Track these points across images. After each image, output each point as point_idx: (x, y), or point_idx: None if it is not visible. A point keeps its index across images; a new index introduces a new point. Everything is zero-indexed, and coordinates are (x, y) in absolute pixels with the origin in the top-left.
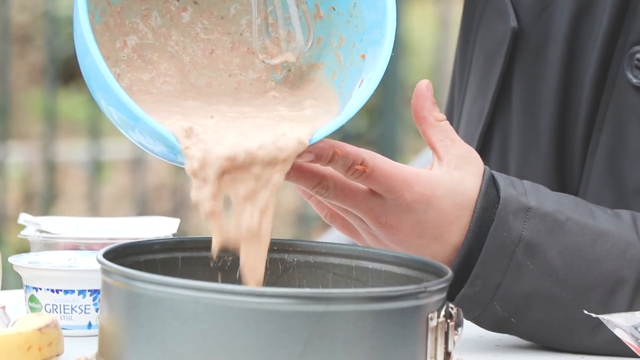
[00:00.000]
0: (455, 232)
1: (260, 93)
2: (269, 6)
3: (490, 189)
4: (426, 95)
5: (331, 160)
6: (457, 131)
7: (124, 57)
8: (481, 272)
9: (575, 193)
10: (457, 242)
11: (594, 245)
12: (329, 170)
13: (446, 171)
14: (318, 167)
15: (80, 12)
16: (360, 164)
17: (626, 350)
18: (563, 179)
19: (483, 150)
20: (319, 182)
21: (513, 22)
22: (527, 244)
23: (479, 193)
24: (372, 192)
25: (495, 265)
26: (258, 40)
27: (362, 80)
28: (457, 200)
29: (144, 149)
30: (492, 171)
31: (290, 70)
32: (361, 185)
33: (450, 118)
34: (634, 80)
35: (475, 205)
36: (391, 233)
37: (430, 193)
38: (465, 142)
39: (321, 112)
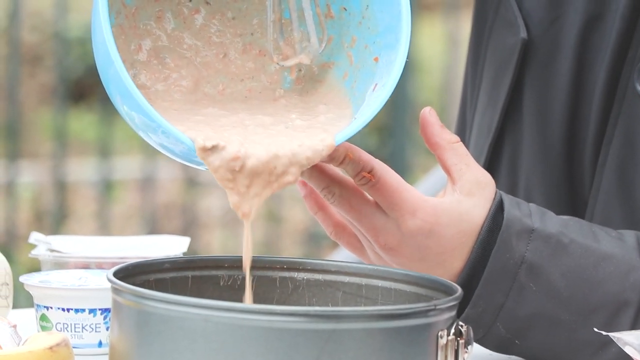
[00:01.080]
0: (458, 258)
1: (270, 100)
2: (283, 6)
3: (497, 213)
4: (432, 121)
5: (342, 162)
6: (468, 145)
7: (139, 59)
8: (484, 292)
9: (585, 204)
10: (460, 267)
11: (597, 267)
12: (339, 176)
13: (457, 199)
14: (329, 169)
15: (103, 20)
16: (369, 172)
17: None
18: (573, 190)
19: (492, 161)
20: (327, 186)
21: (523, 33)
22: (529, 266)
23: (485, 219)
24: (377, 208)
25: (497, 286)
26: (272, 42)
27: (376, 85)
28: (461, 228)
29: (162, 149)
30: (502, 194)
31: (300, 70)
32: (369, 199)
33: (462, 133)
34: None
35: (480, 231)
36: (392, 255)
37: (433, 221)
38: (475, 153)
39: (335, 117)
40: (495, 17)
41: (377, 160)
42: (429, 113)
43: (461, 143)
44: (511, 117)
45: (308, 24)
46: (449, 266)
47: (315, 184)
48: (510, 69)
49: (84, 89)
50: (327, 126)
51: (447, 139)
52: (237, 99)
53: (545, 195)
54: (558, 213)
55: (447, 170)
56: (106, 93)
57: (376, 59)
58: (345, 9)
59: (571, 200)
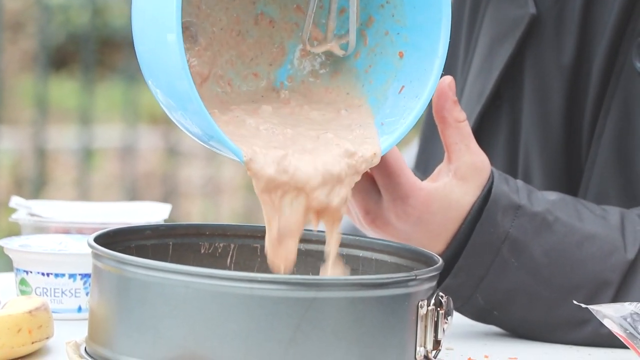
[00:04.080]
0: (441, 242)
1: (282, 104)
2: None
3: (488, 193)
4: (448, 94)
5: None
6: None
7: None
8: (465, 264)
9: (581, 175)
10: (441, 250)
11: (580, 247)
12: None
13: (449, 185)
14: None
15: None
16: None
17: (609, 343)
18: (571, 162)
19: (483, 129)
20: None
21: (532, 9)
22: (513, 242)
23: (472, 206)
24: (374, 185)
25: (480, 259)
26: (309, 28)
27: (404, 87)
28: (449, 215)
29: (181, 127)
30: (494, 173)
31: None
32: (369, 174)
33: None
34: None
35: (467, 216)
36: (376, 232)
37: (423, 209)
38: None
39: (361, 128)
40: None
41: None
42: (448, 85)
43: (466, 122)
44: (511, 88)
45: (351, 20)
46: (430, 248)
47: None
48: (511, 41)
49: (65, 56)
50: (360, 142)
51: (455, 116)
52: (245, 98)
53: (544, 165)
54: (556, 184)
55: (447, 147)
56: (86, 61)
57: (401, 55)
58: None
59: (568, 171)
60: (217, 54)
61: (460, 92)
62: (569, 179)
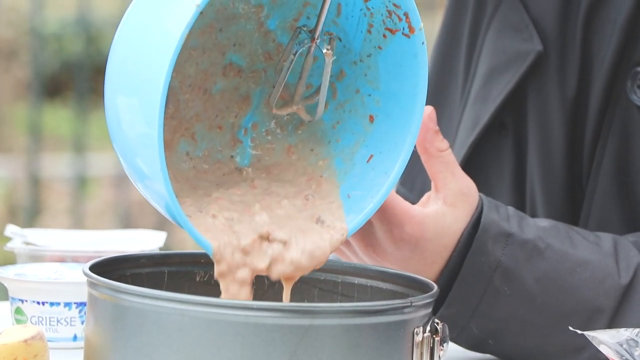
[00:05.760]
0: (436, 269)
1: (245, 184)
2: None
3: (478, 220)
4: (428, 125)
5: None
6: (455, 135)
7: None
8: (458, 294)
9: (582, 205)
10: (435, 277)
11: (573, 274)
12: None
13: (441, 212)
14: None
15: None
16: None
17: None
18: (572, 192)
19: (497, 160)
20: None
21: (539, 45)
22: (504, 270)
23: (463, 232)
24: (368, 221)
25: (472, 289)
26: (277, 88)
27: (372, 156)
28: (443, 242)
29: (142, 192)
30: (483, 200)
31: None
32: None
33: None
34: (637, 100)
35: (458, 241)
36: (377, 262)
37: (419, 235)
38: (458, 146)
39: (325, 196)
40: (494, 12)
41: None
42: (428, 116)
43: (449, 151)
44: (514, 119)
45: (322, 90)
46: (426, 276)
47: None
48: (513, 74)
49: (59, 84)
50: (324, 212)
51: (437, 146)
52: (210, 178)
53: (545, 195)
54: (557, 214)
55: (432, 177)
56: (80, 89)
57: (372, 119)
58: (340, 40)
59: (570, 201)
60: (182, 119)
61: (459, 118)
62: (570, 209)
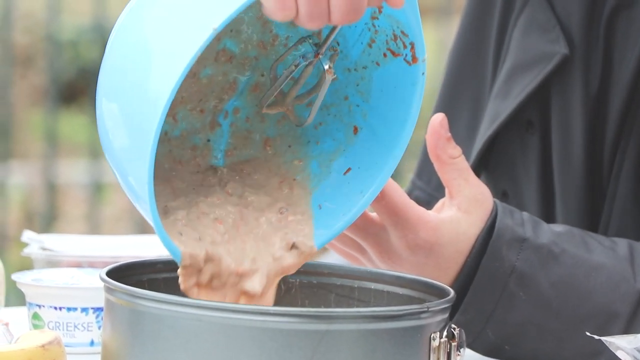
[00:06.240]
0: (451, 274)
1: (215, 184)
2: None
3: (492, 225)
4: (440, 132)
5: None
6: (479, 126)
7: None
8: (473, 300)
9: (602, 210)
10: (450, 283)
11: (588, 278)
12: None
13: (455, 218)
14: None
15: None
16: None
17: None
18: (591, 197)
19: (524, 158)
20: None
21: (564, 49)
22: (519, 275)
23: (477, 237)
24: (382, 227)
25: (487, 294)
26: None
27: (350, 169)
28: (458, 247)
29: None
30: (497, 205)
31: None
32: (374, 219)
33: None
34: None
35: (473, 247)
36: (392, 268)
37: (433, 240)
38: (481, 139)
39: (296, 205)
40: (522, 10)
41: None
42: (439, 124)
43: (462, 157)
44: (539, 118)
45: (316, 102)
46: (441, 281)
47: None
48: (536, 74)
49: (75, 91)
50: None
51: (449, 153)
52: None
53: (564, 199)
54: (576, 219)
55: (446, 184)
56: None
57: (355, 130)
58: (338, 44)
59: (589, 206)
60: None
61: (484, 109)
62: (590, 213)
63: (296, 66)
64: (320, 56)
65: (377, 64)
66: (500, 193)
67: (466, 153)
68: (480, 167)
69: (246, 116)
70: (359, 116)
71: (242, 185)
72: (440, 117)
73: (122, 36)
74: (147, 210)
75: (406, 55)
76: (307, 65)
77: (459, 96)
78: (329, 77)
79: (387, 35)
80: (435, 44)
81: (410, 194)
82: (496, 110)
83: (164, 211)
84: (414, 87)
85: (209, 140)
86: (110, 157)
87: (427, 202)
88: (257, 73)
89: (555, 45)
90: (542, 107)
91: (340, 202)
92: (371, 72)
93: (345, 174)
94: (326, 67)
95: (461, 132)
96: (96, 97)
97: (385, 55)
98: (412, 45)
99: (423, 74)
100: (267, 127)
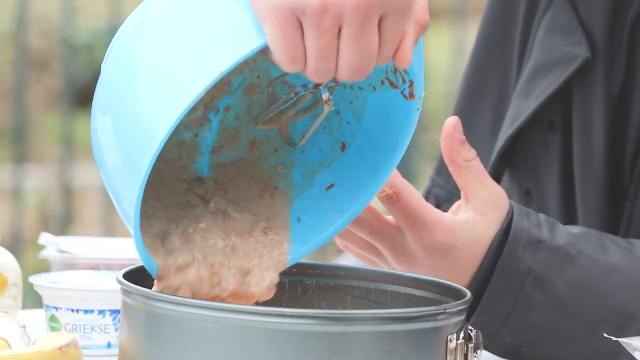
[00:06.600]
0: (467, 277)
1: (200, 203)
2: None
3: (508, 227)
4: (454, 136)
5: None
6: (499, 129)
7: None
8: (489, 302)
9: (623, 212)
10: (467, 285)
11: (605, 279)
12: None
13: (472, 220)
14: None
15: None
16: (390, 188)
17: None
18: (612, 198)
19: (546, 158)
20: None
21: (586, 52)
22: (536, 277)
23: (493, 239)
24: (398, 230)
25: (503, 296)
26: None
27: (333, 185)
28: (474, 249)
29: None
30: (514, 207)
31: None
32: (390, 222)
33: (467, 111)
34: None
35: (489, 249)
36: (409, 270)
37: (450, 242)
38: (502, 138)
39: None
40: (546, 10)
41: (400, 177)
42: (453, 127)
43: (477, 160)
44: (561, 119)
45: (310, 130)
46: (458, 283)
47: None
48: (557, 76)
49: (90, 94)
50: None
51: (463, 156)
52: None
53: (586, 201)
54: (598, 219)
55: (462, 187)
56: None
57: (343, 147)
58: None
59: (610, 208)
60: None
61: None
62: (611, 215)
63: (296, 94)
64: (321, 87)
65: (374, 88)
66: (524, 192)
67: (489, 151)
68: (504, 164)
69: (236, 115)
70: (348, 133)
71: (226, 200)
72: (454, 120)
73: (123, 57)
74: (129, 223)
75: (404, 89)
76: (307, 92)
77: (483, 93)
78: (326, 108)
79: (387, 66)
80: (451, 46)
81: (429, 191)
82: (518, 110)
83: (159, 236)
84: (406, 120)
85: (197, 136)
86: (104, 172)
87: (447, 199)
88: (254, 74)
89: (577, 47)
90: (563, 108)
91: (319, 219)
92: (366, 94)
93: (327, 189)
94: (325, 98)
95: (484, 129)
96: (91, 112)
97: (382, 82)
98: (412, 82)
99: (418, 109)
100: (256, 129)
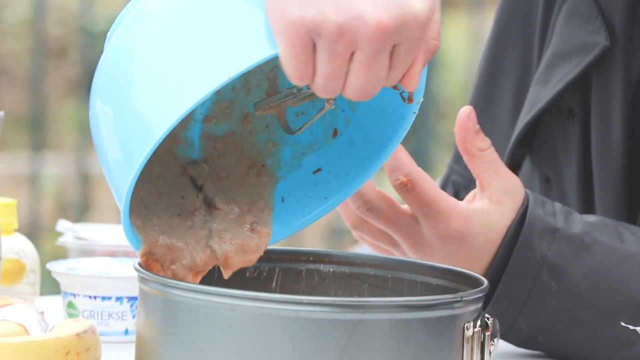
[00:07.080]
0: (482, 265)
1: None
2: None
3: (524, 216)
4: (467, 126)
5: None
6: (520, 109)
7: None
8: (505, 291)
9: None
10: (482, 274)
11: (621, 268)
12: (375, 190)
13: (487, 209)
14: (364, 185)
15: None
16: (405, 176)
17: None
18: (630, 189)
19: (565, 146)
20: (364, 202)
21: (605, 41)
22: (551, 265)
23: (509, 228)
24: (413, 219)
25: (519, 285)
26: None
27: (321, 170)
28: (489, 238)
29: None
30: (529, 196)
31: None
32: (404, 211)
33: (484, 98)
34: None
35: (504, 237)
36: (424, 259)
37: (465, 230)
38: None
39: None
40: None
41: (414, 166)
42: (467, 117)
43: (492, 149)
44: (580, 107)
45: (309, 122)
46: (473, 272)
47: (350, 199)
48: (578, 65)
49: None
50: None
51: (478, 146)
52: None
53: (603, 191)
54: (615, 209)
55: (477, 176)
56: None
57: (335, 134)
58: None
59: (630, 198)
60: None
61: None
62: (628, 204)
63: (298, 90)
64: None
65: None
66: (544, 178)
67: (509, 136)
68: (523, 150)
69: (232, 86)
70: (341, 121)
71: (215, 188)
72: (467, 110)
73: (125, 47)
74: (120, 202)
75: (403, 92)
76: (309, 89)
77: (503, 79)
78: (328, 106)
79: None
80: (468, 35)
81: (448, 179)
82: (536, 97)
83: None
84: (402, 120)
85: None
86: (103, 161)
87: (466, 186)
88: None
89: (596, 36)
90: (582, 96)
91: (302, 202)
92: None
93: (314, 172)
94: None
95: (505, 115)
96: (90, 98)
97: None
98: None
99: (414, 113)
100: (250, 102)
